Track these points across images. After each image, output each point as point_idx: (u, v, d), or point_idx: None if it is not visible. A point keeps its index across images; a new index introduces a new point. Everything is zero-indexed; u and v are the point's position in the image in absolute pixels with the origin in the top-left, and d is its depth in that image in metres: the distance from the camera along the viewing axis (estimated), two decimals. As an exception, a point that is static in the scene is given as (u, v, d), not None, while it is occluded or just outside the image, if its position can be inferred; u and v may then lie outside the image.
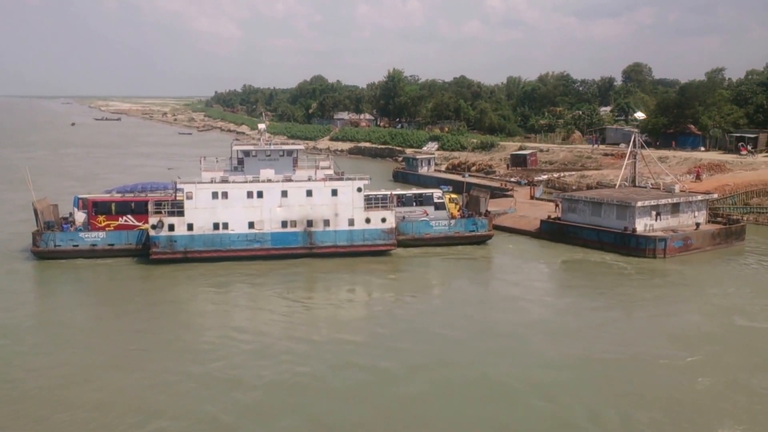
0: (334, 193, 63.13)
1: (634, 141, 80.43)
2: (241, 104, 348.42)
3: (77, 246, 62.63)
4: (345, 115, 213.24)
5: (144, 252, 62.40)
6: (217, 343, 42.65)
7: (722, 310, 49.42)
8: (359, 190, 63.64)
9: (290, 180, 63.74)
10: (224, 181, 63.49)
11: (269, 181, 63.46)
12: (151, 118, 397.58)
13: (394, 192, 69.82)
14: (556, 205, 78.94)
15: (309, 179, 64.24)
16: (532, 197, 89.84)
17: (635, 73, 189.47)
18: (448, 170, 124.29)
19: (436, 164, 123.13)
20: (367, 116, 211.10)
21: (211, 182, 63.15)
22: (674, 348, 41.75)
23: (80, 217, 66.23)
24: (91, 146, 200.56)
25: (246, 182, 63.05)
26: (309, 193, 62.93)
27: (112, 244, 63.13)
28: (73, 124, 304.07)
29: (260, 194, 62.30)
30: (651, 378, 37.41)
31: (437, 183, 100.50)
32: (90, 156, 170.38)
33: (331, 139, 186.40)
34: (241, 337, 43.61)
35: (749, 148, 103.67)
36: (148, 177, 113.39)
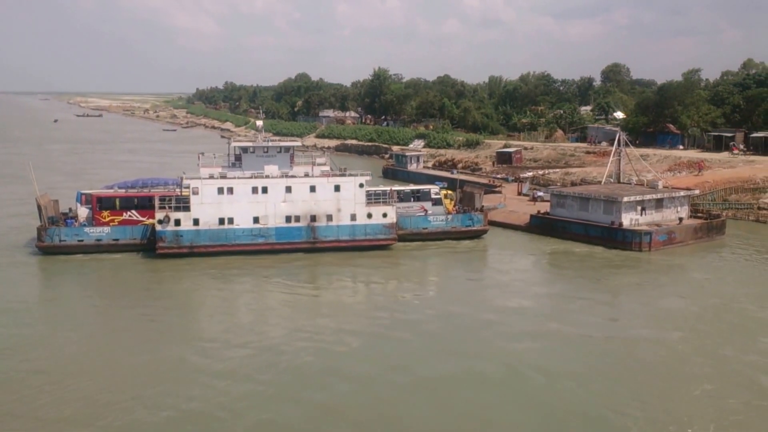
0: (337, 188, 65.06)
1: (619, 139, 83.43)
2: (224, 101, 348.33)
3: (82, 241, 63.66)
4: (330, 113, 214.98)
5: (148, 247, 63.78)
6: (222, 331, 44.28)
7: (702, 293, 53.74)
8: (361, 186, 65.69)
9: (293, 176, 65.47)
10: (223, 176, 64.82)
11: (268, 176, 64.89)
12: (132, 115, 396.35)
13: (394, 188, 72.11)
14: (534, 199, 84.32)
15: (306, 175, 65.97)
16: (519, 193, 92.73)
17: (614, 74, 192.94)
18: (434, 167, 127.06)
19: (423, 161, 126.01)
20: (353, 114, 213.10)
21: (213, 178, 64.28)
22: (656, 325, 45.80)
23: (83, 212, 67.27)
24: (76, 142, 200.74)
25: (251, 178, 64.54)
26: (312, 189, 64.74)
27: (117, 239, 64.29)
28: (55, 121, 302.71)
29: (265, 190, 63.96)
30: (633, 351, 41.39)
31: (426, 179, 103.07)
32: (76, 152, 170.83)
33: (317, 137, 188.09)
34: (245, 326, 45.42)
35: (741, 147, 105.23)
36: (138, 172, 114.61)
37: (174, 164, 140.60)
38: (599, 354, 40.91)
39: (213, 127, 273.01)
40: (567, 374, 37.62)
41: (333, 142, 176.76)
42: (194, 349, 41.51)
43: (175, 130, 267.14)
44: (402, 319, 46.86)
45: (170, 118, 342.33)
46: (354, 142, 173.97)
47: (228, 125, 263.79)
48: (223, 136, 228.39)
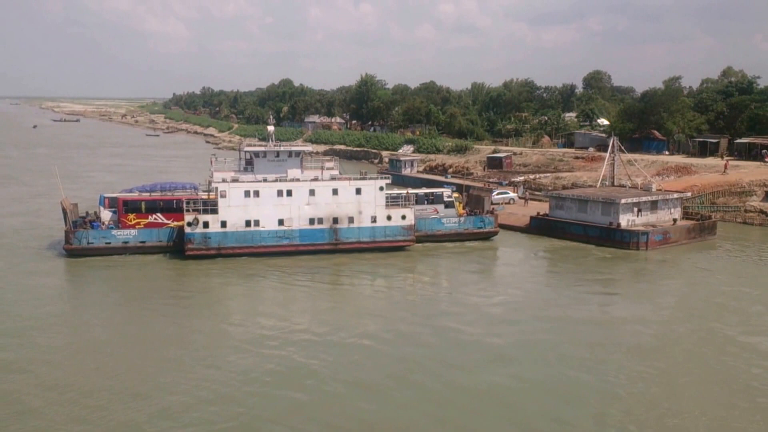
0: (358, 191, 67.98)
1: (613, 145, 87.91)
2: (204, 106, 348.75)
3: (109, 243, 65.61)
4: (316, 118, 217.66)
5: (174, 249, 66.10)
6: (249, 331, 45.97)
7: (695, 283, 59.64)
8: (381, 188, 68.78)
9: (317, 179, 68.12)
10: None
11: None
12: (110, 120, 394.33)
13: (410, 191, 75.54)
14: (521, 196, 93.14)
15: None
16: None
17: (595, 80, 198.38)
18: (425, 171, 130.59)
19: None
20: (338, 119, 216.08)
21: (239, 181, 66.69)
22: (650, 308, 51.35)
23: (106, 215, 69.41)
24: (61, 147, 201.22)
25: (276, 181, 67.07)
26: (335, 192, 67.51)
27: (144, 242, 66.46)
28: (35, 127, 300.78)
29: (289, 193, 66.58)
30: (628, 327, 47.14)
31: (420, 183, 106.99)
32: (63, 156, 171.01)
33: (305, 142, 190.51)
34: (270, 325, 46.87)
35: None
36: (133, 176, 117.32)
37: (166, 168, 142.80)
38: (584, 333, 46.24)
39: (196, 133, 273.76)
40: (551, 351, 42.32)
41: (321, 148, 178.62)
42: (228, 325, 47.07)
43: (158, 135, 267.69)
44: (420, 316, 50.47)
45: (149, 123, 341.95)
46: (342, 147, 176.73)
47: (211, 131, 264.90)
48: (207, 141, 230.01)
